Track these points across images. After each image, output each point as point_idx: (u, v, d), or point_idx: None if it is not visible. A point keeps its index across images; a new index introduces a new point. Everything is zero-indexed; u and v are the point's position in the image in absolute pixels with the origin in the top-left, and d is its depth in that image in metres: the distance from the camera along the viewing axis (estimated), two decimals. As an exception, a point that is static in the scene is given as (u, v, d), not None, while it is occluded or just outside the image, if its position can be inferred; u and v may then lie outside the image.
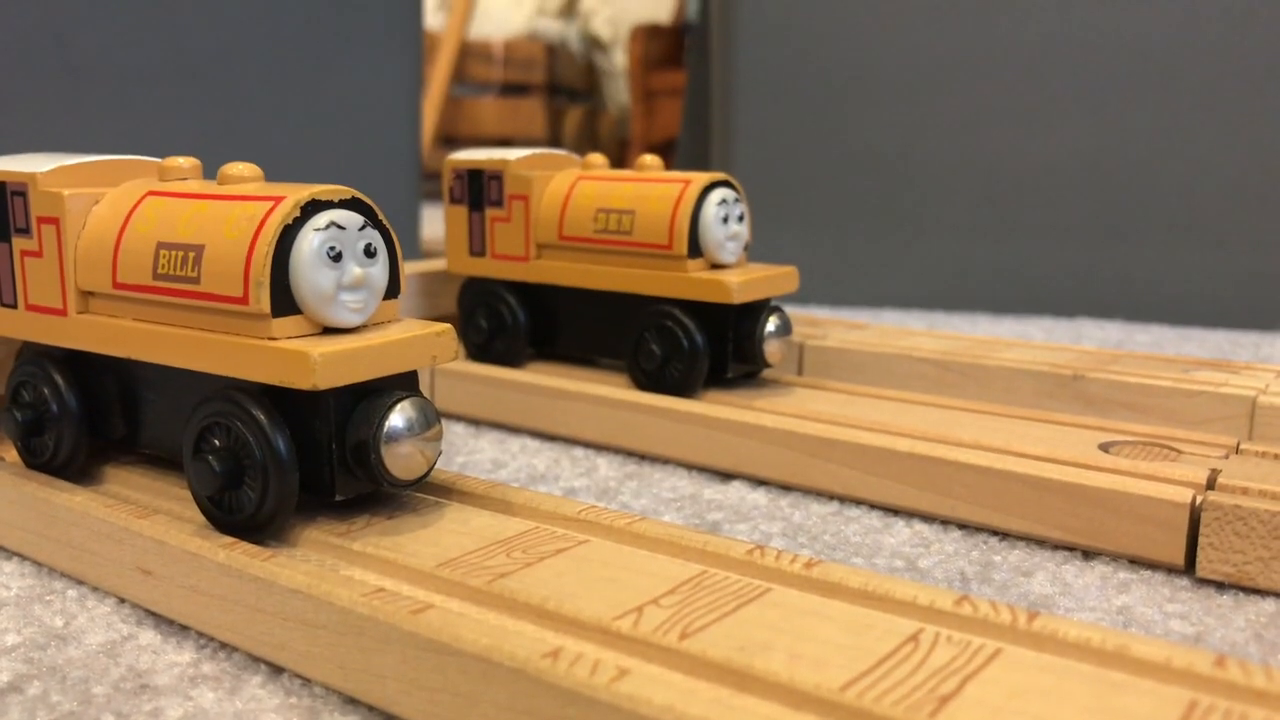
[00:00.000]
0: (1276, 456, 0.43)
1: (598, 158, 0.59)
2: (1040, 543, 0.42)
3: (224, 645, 0.33)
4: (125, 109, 0.73)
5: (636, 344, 0.54)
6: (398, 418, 0.34)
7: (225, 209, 0.35)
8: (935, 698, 0.25)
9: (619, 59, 2.57)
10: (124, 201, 0.38)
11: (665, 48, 2.13)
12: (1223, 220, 0.88)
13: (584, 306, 0.58)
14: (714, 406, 0.50)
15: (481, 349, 0.61)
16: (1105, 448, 0.44)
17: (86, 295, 0.38)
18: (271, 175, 0.38)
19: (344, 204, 0.35)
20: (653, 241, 0.53)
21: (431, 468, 0.36)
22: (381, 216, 0.36)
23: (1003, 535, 0.43)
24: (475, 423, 0.59)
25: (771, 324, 0.53)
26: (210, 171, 0.39)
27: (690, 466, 0.51)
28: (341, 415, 0.34)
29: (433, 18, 2.30)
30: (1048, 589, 0.38)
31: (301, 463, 0.34)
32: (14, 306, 0.40)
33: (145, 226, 0.36)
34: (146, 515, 0.36)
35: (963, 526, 0.44)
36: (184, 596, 0.33)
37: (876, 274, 0.98)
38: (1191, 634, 0.34)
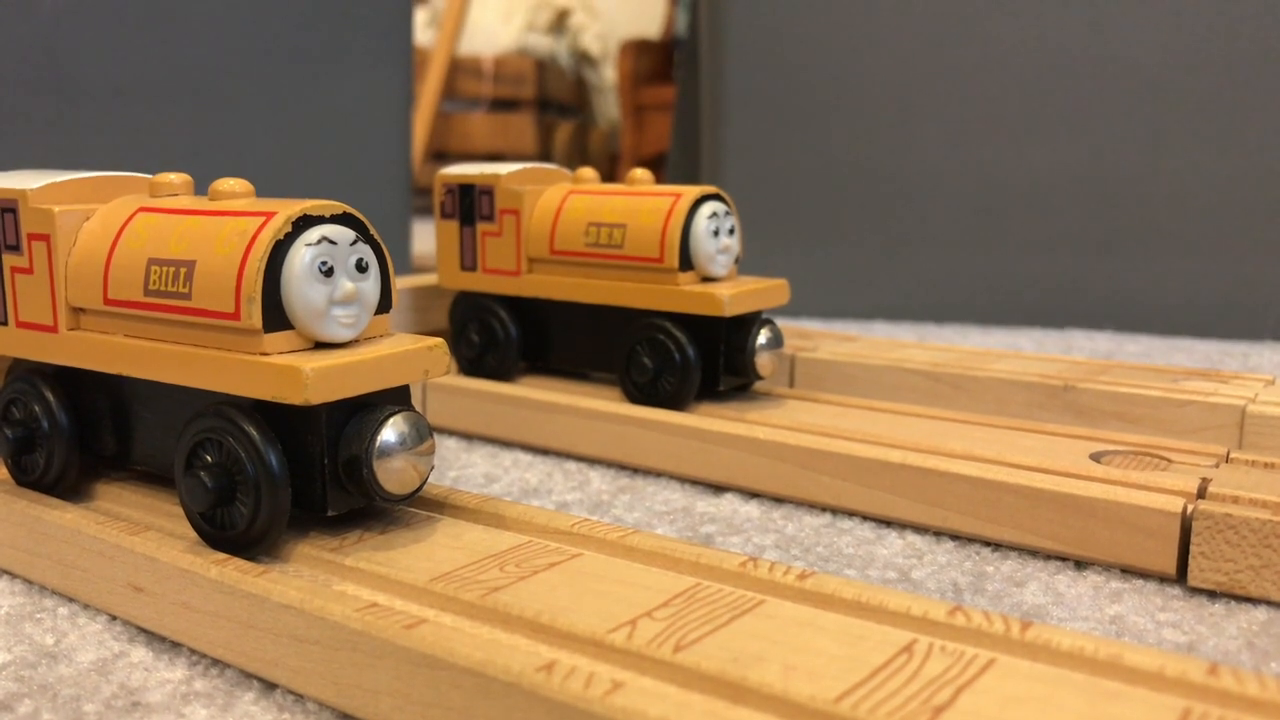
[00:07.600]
0: (1267, 465, 0.43)
1: (588, 172, 0.60)
2: (1032, 553, 0.42)
3: (216, 662, 0.33)
4: (116, 125, 0.73)
5: (628, 357, 0.54)
6: (390, 432, 0.34)
7: (217, 225, 0.35)
8: (930, 708, 0.25)
9: (608, 74, 2.58)
10: (115, 218, 0.38)
11: (655, 63, 2.14)
12: (1211, 231, 0.88)
13: (575, 320, 0.58)
14: (706, 419, 0.50)
15: (473, 363, 0.61)
16: (1096, 458, 0.45)
17: (77, 312, 0.38)
18: (263, 191, 0.38)
19: (335, 219, 0.35)
20: (644, 255, 0.53)
21: (424, 482, 0.36)
22: (373, 231, 0.36)
23: (995, 546, 0.43)
24: (467, 437, 0.59)
25: (763, 337, 0.53)
26: (201, 187, 0.39)
27: (683, 479, 0.51)
28: (334, 430, 0.34)
29: (423, 34, 2.30)
30: (1040, 599, 0.38)
31: (294, 478, 0.34)
32: (4, 323, 0.40)
33: (136, 243, 0.36)
34: (138, 532, 0.35)
35: (955, 537, 0.44)
36: (176, 613, 0.33)
37: (867, 286, 0.98)
38: (1184, 643, 0.35)
